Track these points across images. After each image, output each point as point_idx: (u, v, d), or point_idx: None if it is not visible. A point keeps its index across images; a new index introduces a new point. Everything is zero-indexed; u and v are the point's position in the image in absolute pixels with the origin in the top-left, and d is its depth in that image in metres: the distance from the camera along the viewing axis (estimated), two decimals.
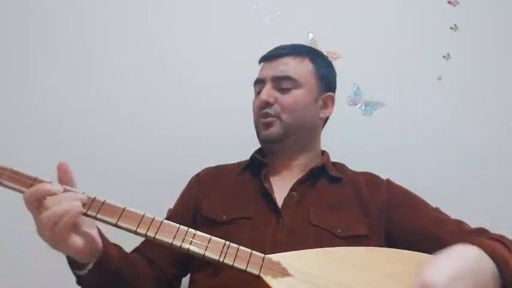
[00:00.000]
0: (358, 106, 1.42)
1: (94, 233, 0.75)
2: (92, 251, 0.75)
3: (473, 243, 0.71)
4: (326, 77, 1.07)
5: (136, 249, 0.97)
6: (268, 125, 1.01)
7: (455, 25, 1.45)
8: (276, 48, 1.08)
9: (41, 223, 0.68)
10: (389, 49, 1.44)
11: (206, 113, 1.37)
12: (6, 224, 1.18)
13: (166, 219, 0.96)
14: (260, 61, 1.10)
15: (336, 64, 1.13)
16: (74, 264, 0.76)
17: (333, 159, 1.08)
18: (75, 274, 0.79)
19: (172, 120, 1.36)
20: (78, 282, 0.79)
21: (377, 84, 1.42)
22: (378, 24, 1.45)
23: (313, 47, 1.39)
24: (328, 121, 1.11)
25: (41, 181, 0.71)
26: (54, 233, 0.68)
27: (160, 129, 1.35)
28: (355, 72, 1.41)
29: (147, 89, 1.37)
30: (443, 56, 1.44)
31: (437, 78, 1.43)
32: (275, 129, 1.00)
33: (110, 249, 0.78)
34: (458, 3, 1.46)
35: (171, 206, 1.06)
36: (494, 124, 1.40)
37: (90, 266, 0.75)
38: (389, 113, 1.41)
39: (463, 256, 0.69)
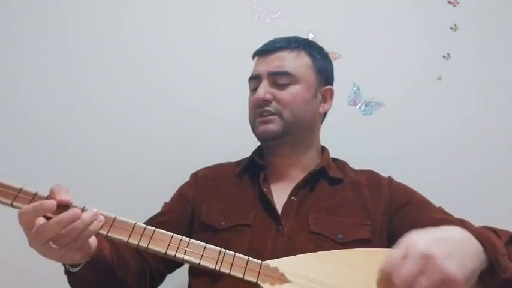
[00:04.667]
0: (358, 106, 1.41)
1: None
2: (86, 255, 0.74)
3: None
4: (324, 70, 1.04)
5: None
6: (267, 122, 0.97)
7: (455, 25, 1.45)
8: (271, 42, 1.04)
9: (57, 241, 0.67)
10: (389, 49, 1.43)
11: (204, 117, 1.37)
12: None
13: (161, 212, 0.97)
14: (254, 56, 1.06)
15: (336, 64, 1.12)
16: None
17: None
18: (64, 267, 0.78)
19: (166, 124, 1.37)
20: (68, 275, 0.79)
21: (377, 84, 1.41)
22: (378, 24, 1.45)
23: None
24: (328, 121, 1.11)
25: (40, 196, 0.70)
26: (60, 250, 0.68)
27: (154, 135, 1.36)
28: (355, 72, 1.41)
29: (140, 92, 1.38)
30: (443, 56, 1.44)
31: (437, 78, 1.43)
32: (273, 127, 0.97)
33: (103, 250, 0.78)
34: (458, 3, 1.46)
35: None
36: (494, 124, 1.40)
37: (82, 265, 0.75)
38: (389, 113, 1.40)
39: (448, 229, 0.68)
